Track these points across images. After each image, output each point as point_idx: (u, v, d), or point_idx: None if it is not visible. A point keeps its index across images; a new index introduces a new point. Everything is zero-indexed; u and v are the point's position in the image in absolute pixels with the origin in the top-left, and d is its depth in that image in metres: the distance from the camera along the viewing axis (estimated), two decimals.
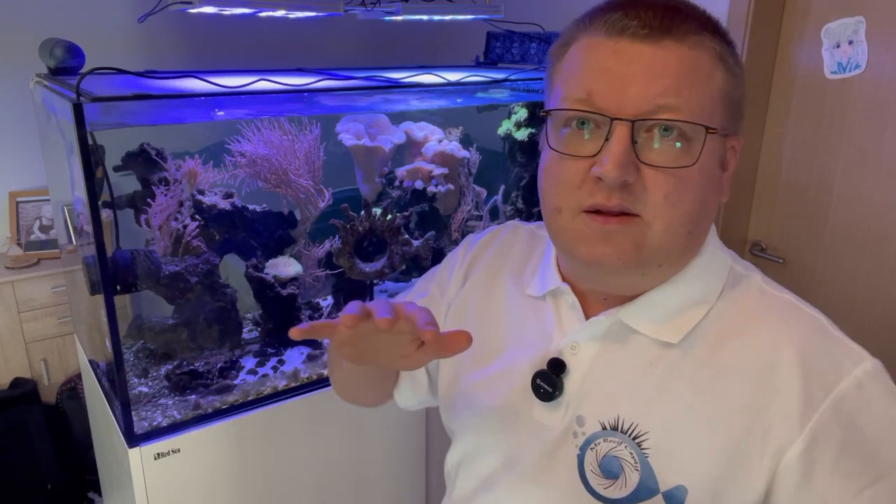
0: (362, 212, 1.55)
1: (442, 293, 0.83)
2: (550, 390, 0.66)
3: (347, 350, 0.61)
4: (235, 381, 1.39)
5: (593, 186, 0.59)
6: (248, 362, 1.47)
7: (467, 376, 0.76)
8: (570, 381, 0.67)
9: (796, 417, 0.58)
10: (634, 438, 0.62)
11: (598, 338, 0.66)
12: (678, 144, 0.58)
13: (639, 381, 0.64)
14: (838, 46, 1.66)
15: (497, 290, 0.78)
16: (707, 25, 0.60)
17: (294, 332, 0.54)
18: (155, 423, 1.26)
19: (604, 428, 0.64)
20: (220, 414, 1.31)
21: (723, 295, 0.64)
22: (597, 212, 0.60)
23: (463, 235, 1.83)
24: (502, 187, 1.83)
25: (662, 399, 0.62)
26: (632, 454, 0.62)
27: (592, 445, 0.64)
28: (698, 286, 0.64)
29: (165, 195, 1.40)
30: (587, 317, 0.68)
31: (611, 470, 0.63)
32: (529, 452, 0.69)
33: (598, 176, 0.58)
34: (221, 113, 1.29)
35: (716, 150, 0.60)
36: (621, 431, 0.63)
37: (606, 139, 0.58)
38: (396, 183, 1.77)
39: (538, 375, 0.67)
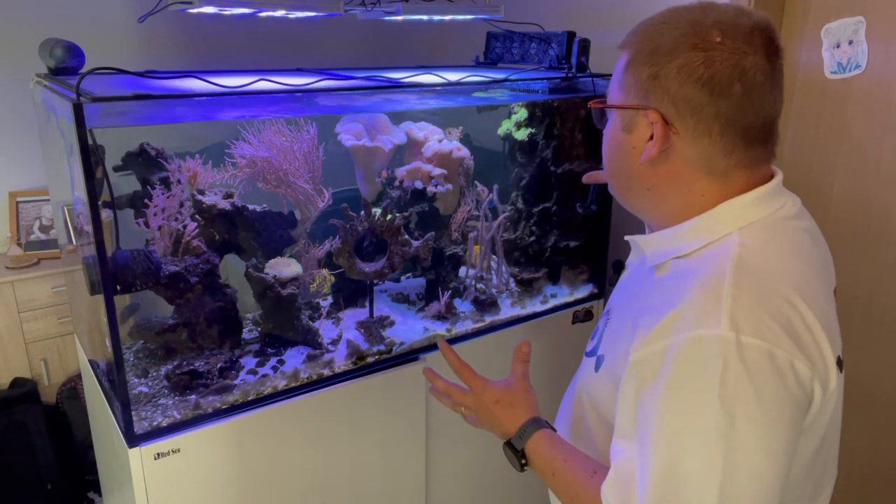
0: (362, 212, 1.55)
1: None
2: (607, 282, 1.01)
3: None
4: (235, 381, 1.39)
5: None
6: (248, 362, 1.47)
7: None
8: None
9: (640, 338, 0.73)
10: (608, 317, 0.91)
11: (637, 250, 0.89)
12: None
13: (632, 282, 0.90)
14: (838, 46, 1.66)
15: None
16: (631, 40, 0.81)
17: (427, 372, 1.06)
18: (155, 423, 1.27)
19: (607, 311, 0.93)
20: (219, 414, 1.31)
21: (701, 250, 0.79)
22: None
23: (463, 235, 1.83)
24: (495, 187, 1.83)
25: (627, 295, 0.89)
26: (602, 326, 0.90)
27: (605, 322, 0.92)
28: (680, 238, 0.81)
29: (162, 195, 1.40)
30: None
31: (593, 333, 0.93)
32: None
33: None
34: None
35: (617, 119, 0.82)
36: (607, 313, 0.92)
37: None
38: (396, 183, 1.77)
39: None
